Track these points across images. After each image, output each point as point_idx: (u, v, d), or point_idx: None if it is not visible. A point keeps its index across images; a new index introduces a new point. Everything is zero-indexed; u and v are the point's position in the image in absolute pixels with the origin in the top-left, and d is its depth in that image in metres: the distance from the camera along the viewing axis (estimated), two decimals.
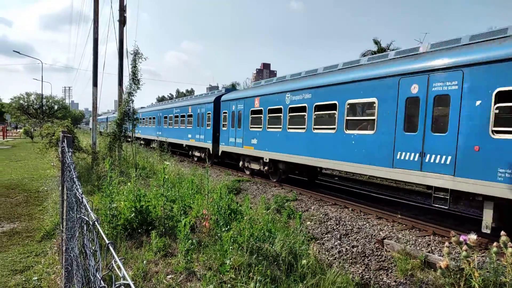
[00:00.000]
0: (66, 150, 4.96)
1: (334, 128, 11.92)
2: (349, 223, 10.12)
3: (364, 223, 10.14)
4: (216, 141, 20.83)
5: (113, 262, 1.31)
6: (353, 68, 12.09)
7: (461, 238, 3.53)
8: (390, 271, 7.45)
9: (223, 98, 20.42)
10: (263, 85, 18.02)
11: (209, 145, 21.42)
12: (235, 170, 19.93)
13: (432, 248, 8.21)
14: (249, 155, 17.56)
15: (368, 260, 7.91)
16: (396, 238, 8.84)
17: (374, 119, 10.44)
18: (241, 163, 18.87)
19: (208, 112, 21.77)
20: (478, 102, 7.90)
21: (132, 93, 15.26)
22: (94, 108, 16.44)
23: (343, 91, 11.64)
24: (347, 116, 11.45)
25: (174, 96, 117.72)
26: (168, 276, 5.16)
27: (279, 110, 14.94)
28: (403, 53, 10.67)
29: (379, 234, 9.23)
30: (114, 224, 6.64)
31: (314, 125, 12.90)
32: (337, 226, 9.95)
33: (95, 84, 16.20)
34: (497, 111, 7.53)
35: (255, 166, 17.46)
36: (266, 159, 15.98)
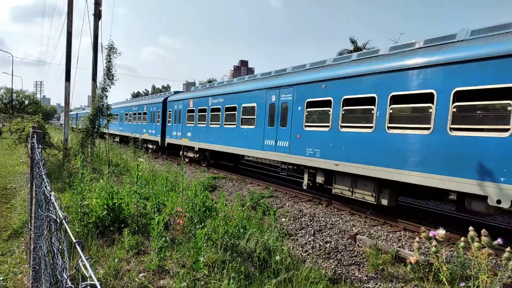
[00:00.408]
0: (36, 146, 4.84)
1: (235, 124, 16.25)
2: (322, 219, 10.27)
3: (338, 219, 10.31)
4: (163, 134, 24.64)
5: (80, 262, 1.29)
6: (249, 81, 16.70)
7: (431, 234, 3.64)
8: (362, 266, 7.61)
9: (169, 99, 24.49)
10: (198, 90, 22.55)
11: (158, 138, 25.31)
12: (179, 158, 22.78)
13: (403, 243, 8.44)
14: (186, 145, 21.63)
15: (341, 256, 8.05)
16: (368, 234, 9.03)
17: (254, 118, 14.84)
18: (181, 152, 22.56)
19: (158, 110, 25.61)
20: (299, 108, 12.28)
21: (106, 88, 14.98)
22: (67, 103, 16.01)
23: (240, 98, 16.05)
24: (242, 115, 15.78)
25: (150, 92, 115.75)
26: (140, 274, 5.12)
27: (204, 110, 19.13)
28: (278, 72, 15.10)
29: (352, 229, 9.41)
30: (86, 222, 6.52)
31: (224, 121, 17.12)
32: (311, 222, 10.08)
33: (68, 78, 15.77)
34: (306, 113, 11.97)
35: (190, 154, 21.33)
36: (196, 148, 20.15)
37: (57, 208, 1.90)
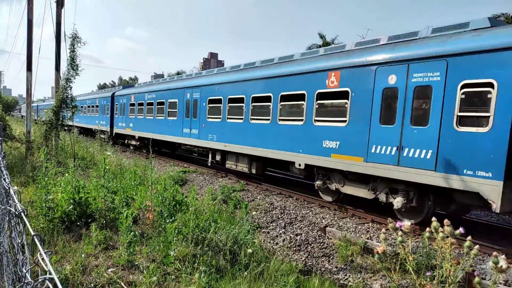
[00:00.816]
0: None
1: (163, 116, 19.67)
2: (293, 212, 10.35)
3: (308, 211, 10.42)
4: (112, 125, 27.59)
5: (38, 256, 1.22)
6: (176, 80, 20.36)
7: (397, 225, 3.71)
8: (332, 257, 7.73)
9: (116, 93, 27.63)
10: (139, 86, 25.77)
11: (108, 128, 28.04)
12: (125, 147, 26.11)
13: (371, 234, 8.62)
14: (129, 135, 24.87)
15: (311, 248, 8.14)
16: (337, 226, 9.17)
17: (176, 111, 18.21)
18: (126, 141, 25.92)
19: (108, 103, 28.47)
20: (204, 104, 15.86)
21: (70, 79, 14.48)
22: (29, 94, 15.37)
23: (167, 94, 19.50)
24: (168, 109, 19.11)
25: (117, 84, 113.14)
26: (109, 269, 4.99)
27: (142, 104, 22.47)
28: (197, 74, 19.11)
29: (322, 222, 9.53)
30: (51, 217, 6.30)
31: (156, 114, 20.57)
32: (282, 215, 10.14)
33: (29, 68, 15.13)
34: (208, 108, 15.53)
35: (133, 142, 24.42)
36: (137, 137, 23.40)
37: (16, 201, 1.79)
